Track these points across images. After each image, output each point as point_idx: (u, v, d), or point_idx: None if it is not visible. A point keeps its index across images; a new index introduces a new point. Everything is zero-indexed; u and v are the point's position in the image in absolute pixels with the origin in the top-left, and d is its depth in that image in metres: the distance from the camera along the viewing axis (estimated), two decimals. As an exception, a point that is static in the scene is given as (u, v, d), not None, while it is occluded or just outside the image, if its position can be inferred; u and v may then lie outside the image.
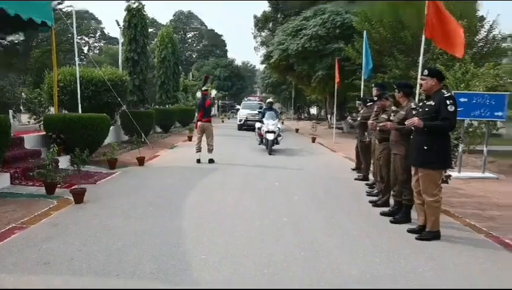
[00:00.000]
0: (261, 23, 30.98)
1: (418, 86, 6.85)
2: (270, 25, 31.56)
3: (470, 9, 14.28)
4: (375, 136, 5.49)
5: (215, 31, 61.15)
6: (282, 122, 24.96)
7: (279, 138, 11.63)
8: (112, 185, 6.51)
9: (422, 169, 4.19)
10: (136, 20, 14.51)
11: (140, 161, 8.47)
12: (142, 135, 10.99)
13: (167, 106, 19.93)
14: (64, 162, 7.75)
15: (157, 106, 19.60)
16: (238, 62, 60.08)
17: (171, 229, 4.26)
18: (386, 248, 3.92)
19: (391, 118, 5.07)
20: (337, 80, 15.06)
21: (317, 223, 4.72)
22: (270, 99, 13.39)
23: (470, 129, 10.51)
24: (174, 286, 2.96)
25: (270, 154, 10.76)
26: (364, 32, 11.55)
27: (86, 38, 52.19)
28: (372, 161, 6.47)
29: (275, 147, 11.51)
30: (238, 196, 6.06)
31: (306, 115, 46.80)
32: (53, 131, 7.87)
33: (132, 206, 5.17)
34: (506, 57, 19.50)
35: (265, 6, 29.70)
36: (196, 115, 27.31)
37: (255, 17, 32.96)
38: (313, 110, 48.62)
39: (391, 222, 4.77)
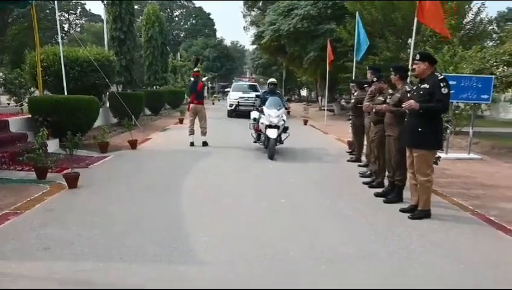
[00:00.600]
0: (251, 1, 30.34)
1: (409, 68, 6.97)
2: (260, 3, 30.98)
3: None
4: (371, 118, 5.55)
5: (203, 9, 59.77)
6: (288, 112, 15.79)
7: (283, 135, 8.16)
8: (105, 169, 6.46)
9: (416, 150, 4.30)
10: None
11: (133, 144, 8.40)
12: (133, 117, 10.83)
13: (156, 88, 19.64)
14: (52, 145, 7.63)
15: (144, 87, 19.29)
16: (227, 42, 59.18)
17: (170, 214, 4.28)
18: (381, 227, 4.05)
19: (387, 100, 5.13)
20: (330, 59, 14.93)
21: (314, 204, 4.81)
22: (272, 79, 9.03)
23: (457, 111, 10.69)
24: (180, 267, 3.00)
25: (271, 158, 7.46)
26: (357, 13, 11.45)
27: (66, 15, 50.39)
28: (365, 143, 6.56)
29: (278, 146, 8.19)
30: (234, 179, 6.10)
31: (296, 96, 46.85)
32: (39, 114, 7.70)
33: (128, 190, 5.17)
34: (492, 40, 19.77)
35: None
36: (186, 96, 27.06)
37: (244, -5, 32.31)
38: (303, 92, 48.67)
39: (384, 202, 4.90)
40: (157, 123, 14.56)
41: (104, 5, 14.47)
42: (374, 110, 5.26)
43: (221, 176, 6.21)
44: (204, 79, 9.96)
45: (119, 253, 3.19)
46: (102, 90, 12.18)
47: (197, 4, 61.90)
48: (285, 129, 8.07)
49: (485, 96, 8.44)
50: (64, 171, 5.67)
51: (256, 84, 20.92)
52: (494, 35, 21.61)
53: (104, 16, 15.13)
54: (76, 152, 6.27)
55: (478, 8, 14.64)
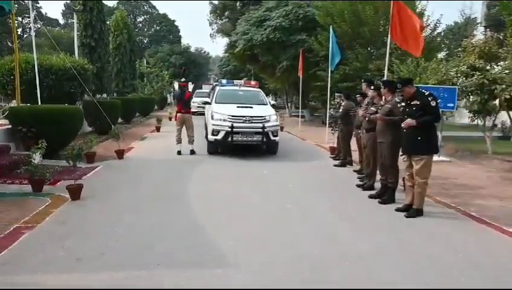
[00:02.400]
0: (220, 10, 30.64)
1: (385, 76, 7.65)
2: (227, 13, 31.36)
3: (411, 6, 15.57)
4: (364, 126, 5.98)
5: (168, 16, 59.11)
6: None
7: None
8: (101, 180, 6.37)
9: (418, 156, 4.70)
10: (91, 3, 14.03)
11: (120, 154, 8.30)
12: (113, 126, 10.67)
13: (125, 95, 19.31)
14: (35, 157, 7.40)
15: (111, 95, 18.91)
16: (191, 49, 58.81)
17: (187, 221, 4.40)
18: (383, 225, 4.46)
19: (375, 109, 5.58)
20: (300, 69, 15.52)
21: (319, 207, 5.14)
22: None
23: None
24: (216, 270, 3.16)
25: None
26: (331, 27, 12.12)
27: (20, 19, 47.89)
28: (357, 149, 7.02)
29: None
30: (234, 185, 6.28)
31: (261, 103, 47.73)
32: (22, 124, 7.46)
33: (134, 200, 5.20)
34: (444, 51, 21.51)
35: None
36: (155, 106, 26.58)
37: (211, 3, 32.56)
38: (269, 99, 49.73)
39: (379, 203, 5.30)
40: (132, 132, 14.32)
41: (78, 11, 14.19)
42: (367, 118, 5.69)
43: (221, 184, 6.33)
44: (190, 88, 9.89)
45: (154, 261, 3.28)
46: (76, 99, 11.95)
47: (162, 11, 61.00)
48: None
49: (451, 105, 9.28)
50: (59, 183, 5.58)
51: (260, 91, 11.24)
52: (445, 47, 23.67)
53: (75, 23, 14.77)
54: (58, 162, 6.17)
55: (435, 24, 16.11)
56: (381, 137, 5.40)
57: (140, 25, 58.25)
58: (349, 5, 15.57)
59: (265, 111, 9.28)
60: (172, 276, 3.05)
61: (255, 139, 8.63)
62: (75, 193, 5.12)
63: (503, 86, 8.50)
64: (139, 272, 3.09)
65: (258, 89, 11.24)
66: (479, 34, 26.53)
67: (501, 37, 11.15)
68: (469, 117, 11.15)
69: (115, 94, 19.41)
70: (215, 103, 9.71)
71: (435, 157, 9.35)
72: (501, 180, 7.23)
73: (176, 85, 9.37)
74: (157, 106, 28.85)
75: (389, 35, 7.36)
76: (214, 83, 9.13)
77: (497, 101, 9.82)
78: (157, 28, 58.36)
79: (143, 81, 27.05)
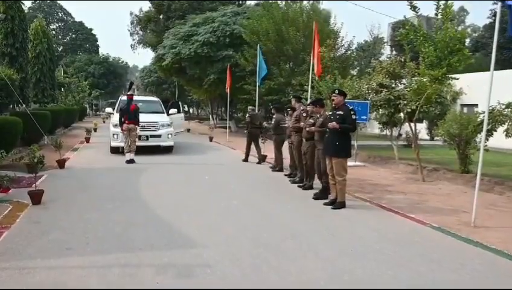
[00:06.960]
0: (144, 22, 30.44)
1: (309, 92, 8.94)
2: (150, 25, 31.30)
3: (326, 26, 17.78)
4: (303, 135, 6.96)
5: (84, 24, 56.01)
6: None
7: None
8: (52, 187, 6.42)
9: (335, 158, 5.87)
10: (13, 12, 13.65)
11: (61, 164, 8.30)
12: (45, 137, 10.42)
13: (47, 106, 18.33)
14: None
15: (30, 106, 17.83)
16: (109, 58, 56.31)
17: (150, 216, 4.95)
18: (315, 215, 5.47)
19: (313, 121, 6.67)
20: (227, 85, 16.45)
21: (261, 202, 6.04)
22: None
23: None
24: (191, 250, 3.82)
25: None
26: (258, 45, 13.35)
27: None
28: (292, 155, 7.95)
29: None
30: (182, 188, 6.87)
31: (185, 114, 48.20)
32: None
33: (93, 202, 5.55)
34: (357, 67, 24.45)
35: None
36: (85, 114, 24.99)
37: (131, 14, 32.24)
38: (191, 110, 50.57)
39: (313, 198, 6.34)
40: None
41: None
42: (306, 129, 6.70)
43: (170, 187, 6.89)
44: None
45: (135, 246, 3.82)
46: (1, 110, 11.44)
47: (78, 18, 57.39)
48: None
49: (364, 117, 10.95)
50: (10, 191, 5.66)
51: None
52: (356, 63, 26.85)
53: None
54: (21, 173, 6.20)
55: (348, 45, 18.45)
56: (318, 145, 6.44)
57: (54, 32, 54.26)
58: (274, 25, 17.15)
59: None
60: (157, 256, 3.62)
61: None
62: (36, 198, 5.32)
63: (405, 102, 9.96)
64: (126, 254, 3.63)
65: None
66: (386, 52, 30.32)
67: (402, 60, 13.17)
68: (379, 128, 12.93)
69: (35, 104, 18.32)
70: None
71: (352, 163, 11.03)
72: (405, 179, 8.71)
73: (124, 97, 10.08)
74: (77, 117, 27.44)
75: (311, 54, 8.72)
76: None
77: (402, 114, 11.66)
78: (73, 36, 55.05)
79: (61, 91, 25.66)
